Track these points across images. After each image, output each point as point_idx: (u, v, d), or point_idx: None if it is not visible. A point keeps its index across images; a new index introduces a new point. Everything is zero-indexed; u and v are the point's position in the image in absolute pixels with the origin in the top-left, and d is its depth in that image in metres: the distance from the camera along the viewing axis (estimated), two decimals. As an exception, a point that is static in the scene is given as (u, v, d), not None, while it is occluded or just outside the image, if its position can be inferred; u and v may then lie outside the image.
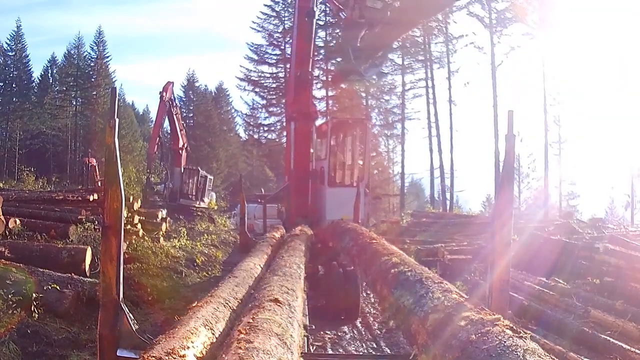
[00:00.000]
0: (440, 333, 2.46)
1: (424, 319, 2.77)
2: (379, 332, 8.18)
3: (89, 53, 53.48)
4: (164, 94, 24.67)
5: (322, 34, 39.21)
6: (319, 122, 13.33)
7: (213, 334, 2.74)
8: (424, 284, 3.20)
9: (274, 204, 14.51)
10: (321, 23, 38.74)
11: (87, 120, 51.70)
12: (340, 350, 7.15)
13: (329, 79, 35.87)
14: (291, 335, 2.60)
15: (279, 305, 2.96)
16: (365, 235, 6.72)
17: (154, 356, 2.15)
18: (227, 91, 65.65)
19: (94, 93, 51.90)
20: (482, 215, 28.08)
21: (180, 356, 2.23)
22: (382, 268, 4.33)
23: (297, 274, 4.54)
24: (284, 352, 2.28)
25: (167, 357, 2.17)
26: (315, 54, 12.42)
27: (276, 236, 8.53)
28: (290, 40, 20.00)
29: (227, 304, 3.29)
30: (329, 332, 7.91)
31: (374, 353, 7.15)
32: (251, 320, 2.53)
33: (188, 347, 2.37)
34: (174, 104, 26.16)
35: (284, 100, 37.85)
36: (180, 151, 25.83)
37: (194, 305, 3.11)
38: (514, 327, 2.15)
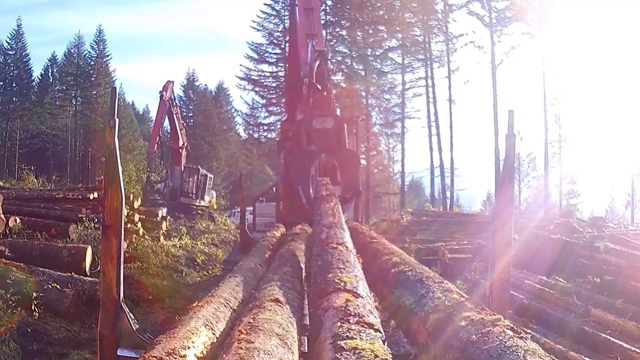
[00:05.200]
0: (440, 333, 2.46)
1: (424, 319, 2.77)
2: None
3: (89, 52, 53.49)
4: (164, 93, 24.71)
5: (322, 32, 39.07)
6: None
7: (214, 334, 2.74)
8: (424, 284, 3.19)
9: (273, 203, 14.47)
10: (321, 22, 38.67)
11: (87, 119, 51.66)
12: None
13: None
14: (292, 335, 2.60)
15: (279, 305, 2.96)
16: (366, 235, 6.70)
17: (154, 356, 2.15)
18: (228, 90, 65.74)
19: (94, 92, 51.84)
20: (482, 214, 28.05)
21: (181, 356, 2.24)
22: (382, 267, 4.32)
23: (298, 273, 4.54)
24: (285, 352, 2.28)
25: (168, 357, 2.17)
26: None
27: (276, 235, 8.53)
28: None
29: (227, 303, 3.29)
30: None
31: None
32: (252, 320, 2.53)
33: (189, 347, 2.37)
34: (174, 104, 26.20)
35: (283, 100, 37.82)
36: (181, 150, 25.86)
37: (194, 305, 3.11)
38: (515, 328, 2.15)
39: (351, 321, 2.33)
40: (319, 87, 10.64)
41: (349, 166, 9.27)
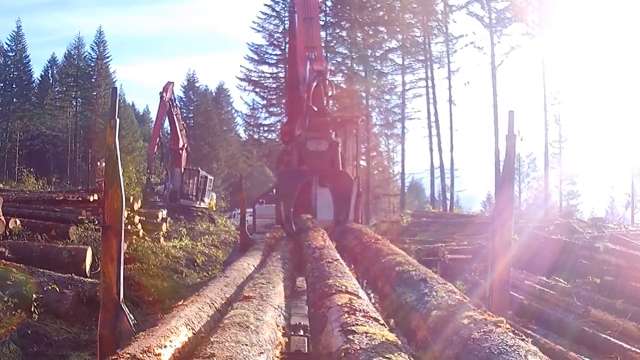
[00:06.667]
0: (442, 329, 2.48)
1: (425, 316, 2.78)
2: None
3: (89, 53, 53.51)
4: (164, 94, 24.71)
5: (322, 34, 39.11)
6: None
7: (194, 333, 2.73)
8: (428, 283, 3.21)
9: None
10: (321, 23, 38.73)
11: (87, 120, 51.66)
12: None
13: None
14: (256, 318, 2.62)
15: (248, 301, 2.99)
16: (370, 235, 6.76)
17: (129, 353, 2.11)
18: (228, 91, 65.77)
19: (94, 93, 51.83)
20: (482, 215, 28.06)
21: (156, 355, 2.20)
22: (385, 266, 4.34)
23: (279, 269, 4.57)
24: (246, 334, 2.33)
25: (142, 355, 2.13)
26: None
27: (276, 236, 8.54)
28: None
29: (213, 303, 3.29)
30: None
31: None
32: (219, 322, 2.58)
33: (165, 346, 2.34)
34: (174, 104, 26.20)
35: (284, 101, 37.84)
36: (181, 151, 25.84)
37: (179, 304, 3.11)
38: (517, 332, 2.17)
39: (357, 315, 2.40)
40: (316, 109, 10.59)
41: (342, 188, 9.28)
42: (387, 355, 1.81)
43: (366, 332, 2.06)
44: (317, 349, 2.51)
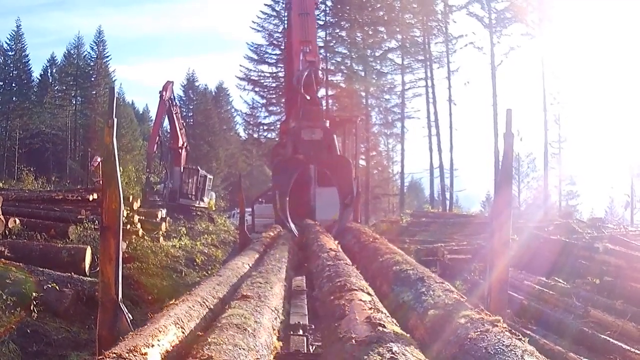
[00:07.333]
0: (439, 329, 2.49)
1: (422, 315, 2.79)
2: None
3: (89, 53, 53.55)
4: (164, 93, 24.72)
5: (321, 34, 39.16)
6: None
7: (183, 332, 2.71)
8: (425, 282, 3.22)
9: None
10: (321, 23, 38.75)
11: (86, 119, 51.70)
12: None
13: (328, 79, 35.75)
14: (254, 321, 2.63)
15: (246, 301, 2.99)
16: (368, 235, 6.77)
17: (115, 353, 2.09)
18: (227, 90, 65.67)
19: (94, 92, 51.85)
20: (481, 215, 28.06)
21: (142, 354, 2.16)
22: (383, 265, 4.36)
23: (277, 269, 4.57)
24: (243, 337, 2.32)
25: (128, 354, 2.09)
26: None
27: (272, 235, 8.53)
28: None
29: (204, 302, 3.27)
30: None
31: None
32: (215, 322, 2.58)
33: (152, 346, 2.31)
34: (174, 103, 26.20)
35: (283, 100, 37.85)
36: (180, 150, 25.84)
37: (170, 303, 3.10)
38: (513, 331, 2.18)
39: (381, 313, 2.52)
40: (308, 97, 10.64)
41: (342, 171, 9.27)
42: (414, 353, 1.96)
43: (394, 331, 2.20)
44: (334, 333, 2.51)
